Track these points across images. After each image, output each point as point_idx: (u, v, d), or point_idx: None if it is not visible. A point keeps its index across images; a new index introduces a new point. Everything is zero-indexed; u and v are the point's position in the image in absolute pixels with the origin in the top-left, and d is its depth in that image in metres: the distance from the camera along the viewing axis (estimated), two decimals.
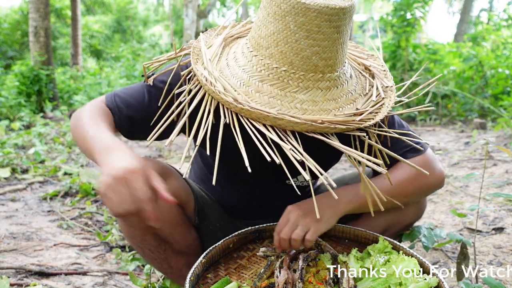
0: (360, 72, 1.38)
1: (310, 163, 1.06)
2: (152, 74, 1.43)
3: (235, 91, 1.16)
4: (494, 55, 7.22)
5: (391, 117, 1.48)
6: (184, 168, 4.04)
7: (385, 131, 1.27)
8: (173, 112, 1.22)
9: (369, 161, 1.09)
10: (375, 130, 1.24)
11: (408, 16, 6.90)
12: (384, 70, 1.39)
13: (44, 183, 3.88)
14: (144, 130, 1.36)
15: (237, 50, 1.29)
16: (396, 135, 1.31)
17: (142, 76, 1.44)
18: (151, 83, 1.41)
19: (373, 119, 1.19)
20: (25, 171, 4.26)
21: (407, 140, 1.40)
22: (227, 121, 1.10)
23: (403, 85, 1.43)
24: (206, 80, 1.15)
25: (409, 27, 6.87)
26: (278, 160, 1.02)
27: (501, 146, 1.60)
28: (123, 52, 12.96)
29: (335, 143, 1.07)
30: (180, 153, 5.15)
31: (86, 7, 22.16)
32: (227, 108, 1.12)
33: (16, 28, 15.75)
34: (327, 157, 1.61)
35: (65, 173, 4.10)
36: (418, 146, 1.43)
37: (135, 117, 1.39)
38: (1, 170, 4.01)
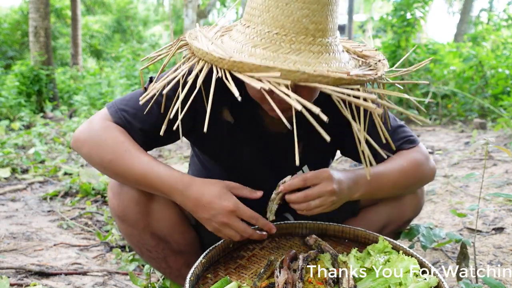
0: (353, 57, 1.38)
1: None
2: (150, 80, 1.41)
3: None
4: (494, 55, 7.21)
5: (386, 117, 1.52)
6: (184, 168, 4.04)
7: (384, 93, 1.22)
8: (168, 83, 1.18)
9: (362, 100, 1.02)
10: (372, 90, 1.20)
11: (408, 16, 6.90)
12: (376, 50, 1.40)
13: (44, 183, 3.89)
14: (156, 139, 1.38)
15: (232, 32, 1.31)
16: (392, 105, 1.29)
17: (145, 89, 1.41)
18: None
19: (368, 78, 1.17)
20: (25, 171, 4.26)
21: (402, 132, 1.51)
22: (220, 75, 1.08)
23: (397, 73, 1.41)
24: (200, 47, 1.15)
25: (409, 27, 6.87)
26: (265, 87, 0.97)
27: (501, 146, 1.61)
28: (123, 52, 12.95)
29: (328, 87, 1.04)
30: (180, 153, 5.15)
31: (86, 7, 22.15)
32: (220, 68, 1.10)
33: (16, 28, 15.76)
34: (323, 153, 1.64)
35: (65, 173, 4.11)
36: (413, 138, 1.54)
37: (146, 129, 1.38)
38: (1, 170, 4.01)
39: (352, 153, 1.61)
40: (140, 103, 1.26)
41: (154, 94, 1.25)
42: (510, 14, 9.55)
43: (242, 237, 1.31)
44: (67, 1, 17.18)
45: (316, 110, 0.90)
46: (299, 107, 0.91)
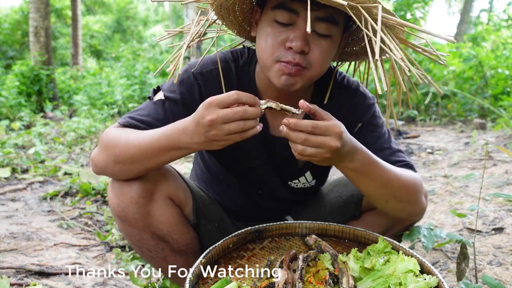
0: None
1: None
2: (158, 89, 1.48)
3: None
4: (494, 55, 7.22)
5: (388, 131, 1.53)
6: (184, 168, 4.04)
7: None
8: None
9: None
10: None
11: (408, 16, 6.90)
12: None
13: (44, 183, 3.89)
14: None
15: None
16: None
17: (149, 97, 1.48)
18: (163, 97, 1.42)
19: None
20: (25, 171, 4.26)
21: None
22: None
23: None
24: None
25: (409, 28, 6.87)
26: None
27: (500, 147, 1.61)
28: (123, 52, 12.98)
29: None
30: None
31: (86, 7, 22.18)
32: None
33: (17, 28, 15.77)
34: None
35: (65, 173, 4.11)
36: (412, 164, 1.53)
37: (149, 122, 1.40)
38: (1, 170, 4.01)
39: None
40: (170, 70, 1.29)
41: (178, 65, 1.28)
42: (510, 14, 9.55)
43: (242, 125, 1.12)
44: (67, 1, 17.20)
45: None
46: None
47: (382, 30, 1.12)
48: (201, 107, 1.14)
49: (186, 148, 1.23)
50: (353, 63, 1.65)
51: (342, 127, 1.17)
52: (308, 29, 0.99)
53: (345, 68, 1.71)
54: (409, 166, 1.50)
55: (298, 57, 1.25)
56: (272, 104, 1.16)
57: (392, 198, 1.39)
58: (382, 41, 1.09)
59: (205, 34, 1.51)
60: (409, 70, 1.08)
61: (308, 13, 1.01)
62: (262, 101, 1.17)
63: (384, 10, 1.11)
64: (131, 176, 1.36)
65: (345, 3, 1.03)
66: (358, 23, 1.10)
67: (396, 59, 1.07)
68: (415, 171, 1.50)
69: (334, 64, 1.62)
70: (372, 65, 1.08)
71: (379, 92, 1.05)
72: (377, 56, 1.02)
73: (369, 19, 1.07)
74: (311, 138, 1.13)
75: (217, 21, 1.47)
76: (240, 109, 1.10)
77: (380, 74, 1.09)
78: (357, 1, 1.08)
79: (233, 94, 1.12)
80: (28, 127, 7.30)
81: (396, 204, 1.42)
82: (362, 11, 1.07)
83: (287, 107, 1.17)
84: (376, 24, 1.05)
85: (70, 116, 8.76)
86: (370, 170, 1.30)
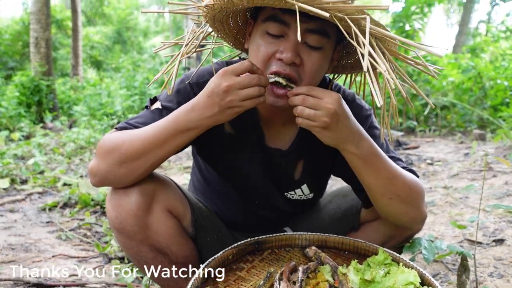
0: None
1: None
2: (155, 99, 1.48)
3: None
4: (492, 66, 7.26)
5: (386, 142, 1.52)
6: (183, 179, 4.04)
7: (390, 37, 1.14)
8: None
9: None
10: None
11: (407, 27, 6.94)
12: None
13: (43, 193, 3.88)
14: None
15: None
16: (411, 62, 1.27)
17: (146, 107, 1.48)
18: (160, 106, 1.43)
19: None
20: (24, 181, 4.25)
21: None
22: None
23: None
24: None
25: (408, 39, 6.91)
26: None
27: (500, 158, 1.61)
28: (123, 63, 13.04)
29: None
30: (180, 163, 5.14)
31: (86, 18, 22.32)
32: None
33: (17, 38, 15.85)
34: (322, 171, 1.65)
35: (65, 184, 4.10)
36: (414, 170, 1.52)
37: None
38: (0, 181, 4.00)
39: (342, 172, 1.59)
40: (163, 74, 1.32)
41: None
42: (509, 26, 9.61)
43: (258, 90, 1.20)
44: (68, 12, 17.31)
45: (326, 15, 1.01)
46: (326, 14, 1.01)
47: (370, 42, 1.12)
48: (214, 78, 1.22)
49: (195, 127, 1.26)
50: (349, 76, 1.65)
51: (339, 96, 1.22)
52: (299, 37, 1.01)
53: (342, 81, 1.71)
54: (411, 171, 1.50)
55: (289, 69, 1.26)
56: (279, 79, 1.27)
57: (396, 197, 1.37)
58: (369, 54, 1.09)
59: (202, 46, 1.52)
60: (394, 83, 1.08)
61: (297, 20, 1.02)
62: (271, 75, 1.28)
63: (373, 22, 1.11)
64: (136, 177, 1.34)
65: (327, 14, 1.04)
66: (345, 33, 1.11)
67: (381, 71, 1.07)
68: (418, 177, 1.50)
69: (331, 76, 1.62)
70: (368, 77, 1.09)
71: (378, 104, 1.05)
72: (365, 68, 1.02)
73: (354, 28, 1.07)
74: (308, 98, 1.20)
75: (212, 33, 1.48)
76: (255, 76, 1.19)
77: (375, 87, 1.09)
78: (345, 12, 1.08)
79: (245, 62, 1.21)
80: (27, 137, 7.30)
81: (399, 204, 1.40)
82: (350, 22, 1.07)
83: (292, 84, 1.28)
84: (364, 35, 1.06)
85: (70, 127, 8.77)
86: (376, 161, 1.31)
